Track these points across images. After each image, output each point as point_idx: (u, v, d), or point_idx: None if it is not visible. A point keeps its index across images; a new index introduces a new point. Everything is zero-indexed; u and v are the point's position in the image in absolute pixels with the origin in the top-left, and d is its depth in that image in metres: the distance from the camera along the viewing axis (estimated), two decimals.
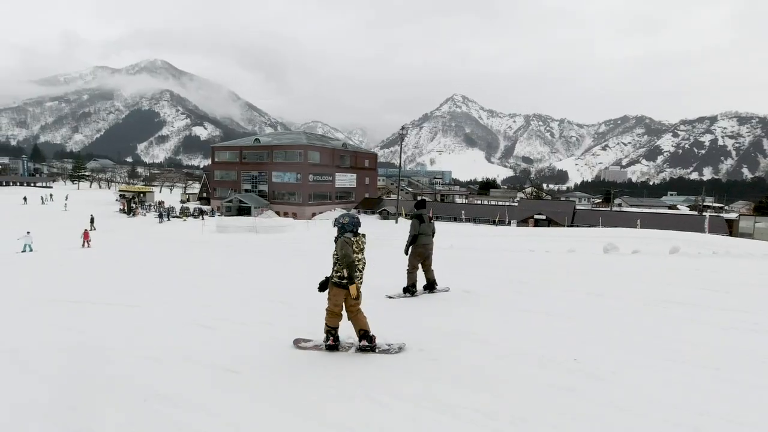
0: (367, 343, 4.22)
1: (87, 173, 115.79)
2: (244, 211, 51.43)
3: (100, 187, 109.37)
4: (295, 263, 12.22)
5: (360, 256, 4.21)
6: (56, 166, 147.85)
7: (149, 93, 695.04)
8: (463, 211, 54.14)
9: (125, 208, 46.61)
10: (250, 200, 52.15)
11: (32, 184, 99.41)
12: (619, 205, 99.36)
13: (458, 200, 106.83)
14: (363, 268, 4.31)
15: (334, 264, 4.19)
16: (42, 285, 9.09)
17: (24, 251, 18.75)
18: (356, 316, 4.23)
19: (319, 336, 4.44)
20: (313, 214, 52.05)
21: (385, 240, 19.45)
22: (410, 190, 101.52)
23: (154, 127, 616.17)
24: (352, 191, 61.78)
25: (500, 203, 77.64)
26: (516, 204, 62.01)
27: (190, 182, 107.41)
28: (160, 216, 38.87)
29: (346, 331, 4.42)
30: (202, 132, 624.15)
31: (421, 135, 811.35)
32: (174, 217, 41.68)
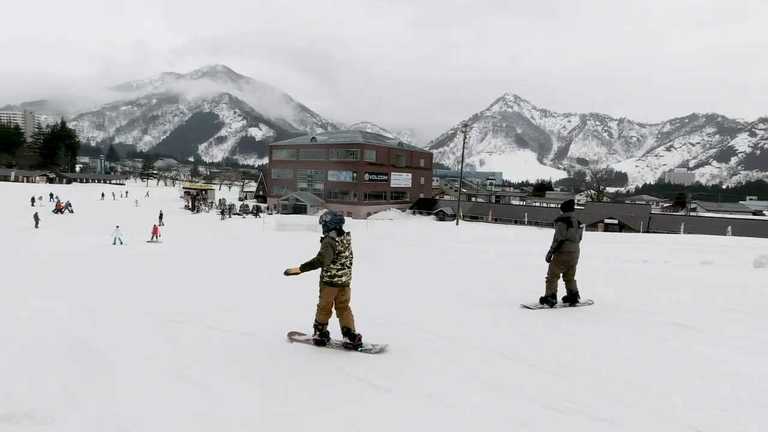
0: (349, 340, 4.38)
1: (155, 171, 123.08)
2: (299, 209, 51.71)
3: (165, 184, 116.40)
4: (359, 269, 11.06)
5: (346, 253, 4.33)
6: (128, 165, 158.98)
7: (210, 96, 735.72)
8: (525, 213, 51.14)
9: (189, 204, 48.31)
10: (306, 199, 52.33)
11: (108, 182, 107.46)
12: (694, 209, 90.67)
13: (514, 202, 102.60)
14: (351, 264, 4.42)
15: (317, 261, 4.26)
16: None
17: (114, 244, 19.81)
18: (343, 313, 4.41)
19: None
20: (368, 214, 51.32)
21: (451, 243, 17.92)
22: (464, 191, 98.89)
23: (214, 129, 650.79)
24: (407, 191, 60.50)
25: (551, 205, 73.46)
26: (582, 207, 57.89)
27: (247, 181, 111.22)
28: (222, 213, 39.71)
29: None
30: (257, 133, 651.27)
31: (470, 135, 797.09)
32: (234, 214, 42.46)
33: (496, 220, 52.59)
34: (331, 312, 4.43)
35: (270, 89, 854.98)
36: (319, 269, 4.31)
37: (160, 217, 32.31)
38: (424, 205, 59.10)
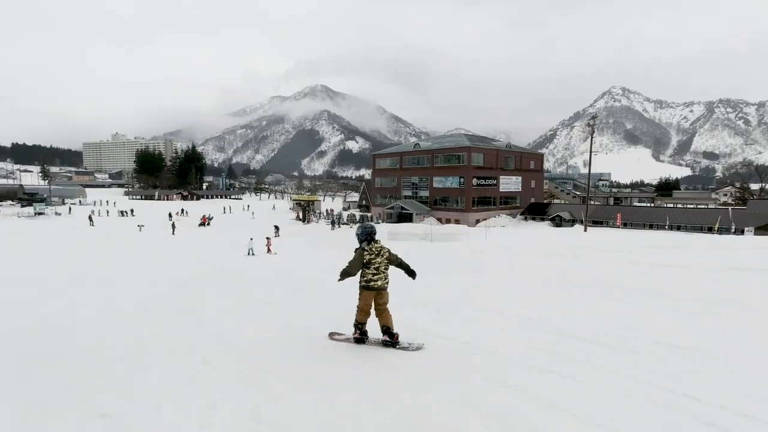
0: (388, 338, 4.74)
1: (266, 186, 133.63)
2: (404, 217, 50.56)
3: (275, 197, 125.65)
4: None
5: (379, 259, 4.72)
6: (244, 182, 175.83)
7: (311, 114, 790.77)
8: (667, 216, 43.57)
9: (300, 215, 50.18)
10: (412, 206, 51.03)
11: (228, 197, 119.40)
12: None
13: (636, 204, 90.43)
14: (386, 269, 4.78)
15: (348, 269, 4.74)
16: None
17: (248, 255, 21.35)
18: (382, 314, 4.77)
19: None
20: (477, 221, 48.19)
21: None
22: (577, 193, 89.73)
23: (315, 144, 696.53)
24: (517, 195, 55.98)
25: (700, 205, 61.88)
26: (744, 207, 47.84)
27: (348, 191, 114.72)
28: (333, 223, 40.15)
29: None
30: (354, 145, 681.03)
31: (572, 135, 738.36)
32: (343, 224, 42.72)
33: (624, 225, 45.78)
34: (369, 313, 4.78)
35: (364, 103, 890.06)
36: (357, 276, 4.74)
37: (276, 229, 33.28)
38: (536, 210, 54.03)
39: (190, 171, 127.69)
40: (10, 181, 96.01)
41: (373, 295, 4.71)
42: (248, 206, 71.09)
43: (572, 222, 48.92)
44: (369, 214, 54.82)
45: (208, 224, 42.97)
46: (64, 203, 66.23)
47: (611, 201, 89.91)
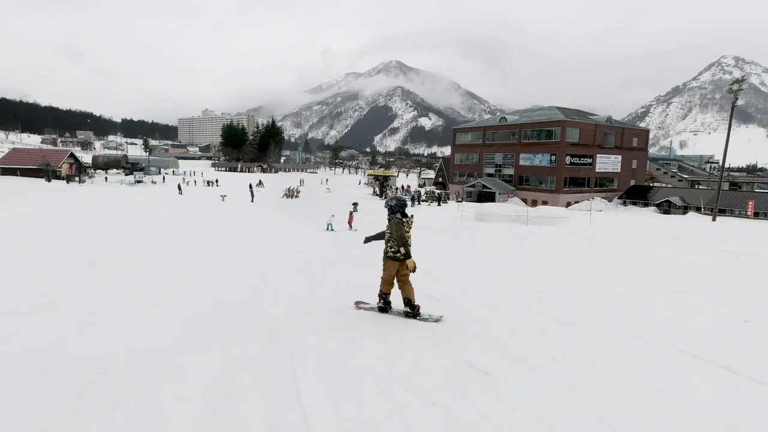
0: (409, 309, 4.93)
1: (340, 161, 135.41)
2: (486, 197, 47.07)
3: (350, 172, 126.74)
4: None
5: (410, 232, 4.92)
6: (319, 156, 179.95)
7: (384, 91, 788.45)
8: None
9: (377, 190, 48.83)
10: (494, 185, 47.32)
11: (304, 170, 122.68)
12: None
13: (759, 190, 77.22)
14: (410, 244, 4.90)
15: (388, 241, 4.91)
16: None
17: (327, 230, 20.51)
18: (404, 286, 4.93)
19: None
20: (568, 204, 43.35)
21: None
22: (683, 176, 78.71)
23: (387, 121, 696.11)
24: (615, 177, 49.59)
25: None
26: None
27: (423, 168, 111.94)
28: (412, 200, 38.14)
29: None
30: (427, 122, 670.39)
31: (668, 112, 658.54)
32: (422, 201, 40.50)
33: (756, 215, 38.43)
34: (392, 284, 5.00)
35: (438, 79, 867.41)
36: (384, 245, 5.00)
37: (355, 205, 31.98)
38: (638, 194, 47.46)
39: (269, 145, 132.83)
40: (119, 152, 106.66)
41: (397, 266, 4.82)
42: (326, 180, 71.51)
43: (684, 209, 42.20)
44: (447, 192, 51.88)
45: (297, 195, 43.51)
46: (160, 173, 71.74)
47: (726, 187, 77.67)
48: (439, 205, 38.70)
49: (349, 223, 23.35)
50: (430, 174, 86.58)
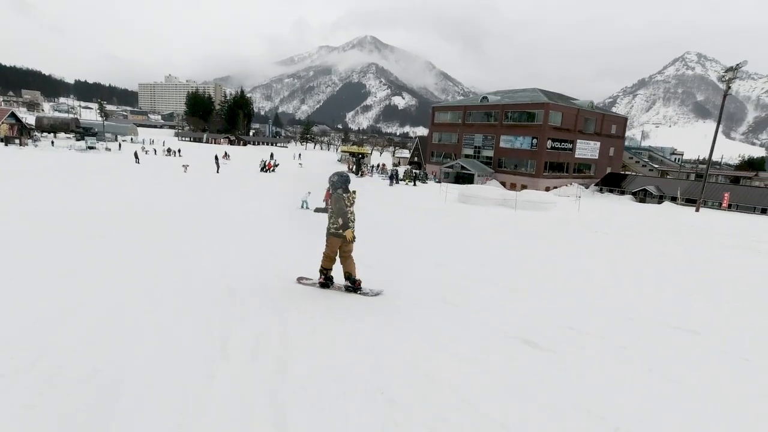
0: (350, 284, 4.98)
1: (312, 136, 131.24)
2: (464, 178, 45.82)
3: (321, 148, 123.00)
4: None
5: (351, 209, 4.87)
6: (290, 131, 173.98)
7: (358, 67, 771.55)
8: None
9: (353, 168, 46.54)
10: (473, 167, 46.06)
11: (274, 144, 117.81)
12: None
13: (722, 181, 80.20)
14: (354, 220, 4.92)
15: (330, 217, 4.95)
16: None
17: (302, 208, 18.88)
18: (346, 261, 4.94)
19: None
20: (547, 189, 42.72)
21: None
22: (654, 165, 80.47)
23: (361, 98, 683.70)
24: (593, 163, 49.45)
25: None
26: None
27: (397, 147, 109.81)
28: (391, 179, 36.18)
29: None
30: (400, 101, 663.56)
31: (633, 104, 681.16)
32: (399, 180, 38.62)
33: (729, 207, 39.13)
34: (334, 259, 4.97)
35: (413, 58, 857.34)
36: (328, 221, 4.98)
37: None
38: (613, 182, 47.57)
39: (238, 116, 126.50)
40: (68, 115, 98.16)
41: (339, 242, 4.82)
42: (299, 155, 68.18)
43: (660, 198, 42.50)
44: (425, 172, 50.21)
45: (273, 170, 40.58)
46: (116, 140, 66.13)
47: (692, 177, 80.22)
48: (415, 185, 37.02)
49: (326, 200, 21.29)
50: (405, 153, 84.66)
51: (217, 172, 35.70)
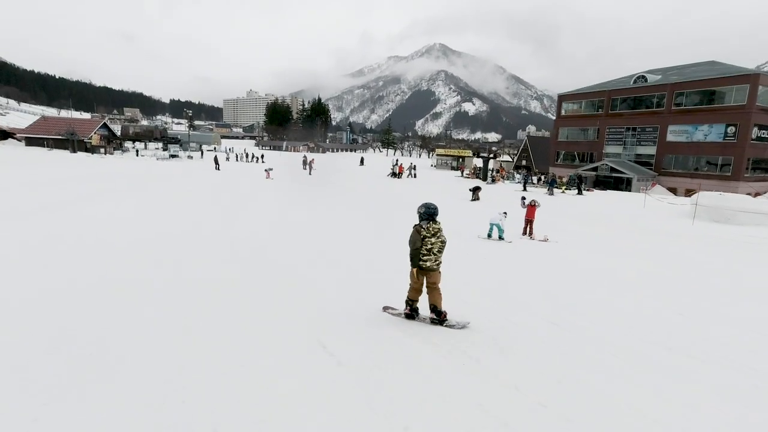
0: (435, 316, 4.83)
1: (394, 141, 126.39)
2: (604, 183, 34.70)
3: (402, 154, 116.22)
4: None
5: (434, 239, 4.72)
6: (367, 137, 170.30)
7: (427, 75, 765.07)
8: None
9: (477, 172, 37.89)
10: (630, 169, 34.72)
11: (353, 150, 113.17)
12: None
13: None
14: (439, 250, 4.78)
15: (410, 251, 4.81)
16: None
17: (488, 237, 11.72)
18: (432, 293, 4.81)
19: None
20: (756, 195, 30.20)
21: None
22: None
23: (430, 105, 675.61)
24: None
25: None
26: None
27: (499, 150, 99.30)
28: (551, 185, 26.30)
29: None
30: (470, 107, 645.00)
31: None
32: (555, 188, 28.30)
33: None
34: (420, 291, 4.86)
35: (482, 62, 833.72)
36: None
37: (476, 190, 21.04)
38: None
39: (315, 124, 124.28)
40: (153, 124, 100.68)
41: (423, 275, 4.75)
42: (396, 161, 61.43)
43: None
44: (584, 177, 39.59)
45: (402, 176, 34.84)
46: (200, 149, 63.84)
47: None
48: (581, 193, 26.73)
49: (528, 224, 12.34)
50: (505, 158, 73.76)
51: (310, 174, 31.99)
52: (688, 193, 32.24)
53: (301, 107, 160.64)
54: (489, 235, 11.36)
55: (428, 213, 4.77)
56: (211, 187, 21.33)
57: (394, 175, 35.75)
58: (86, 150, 46.49)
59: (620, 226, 15.52)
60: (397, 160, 39.17)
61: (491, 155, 39.00)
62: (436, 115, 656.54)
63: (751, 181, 30.85)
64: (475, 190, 20.68)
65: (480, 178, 35.88)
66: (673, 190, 33.07)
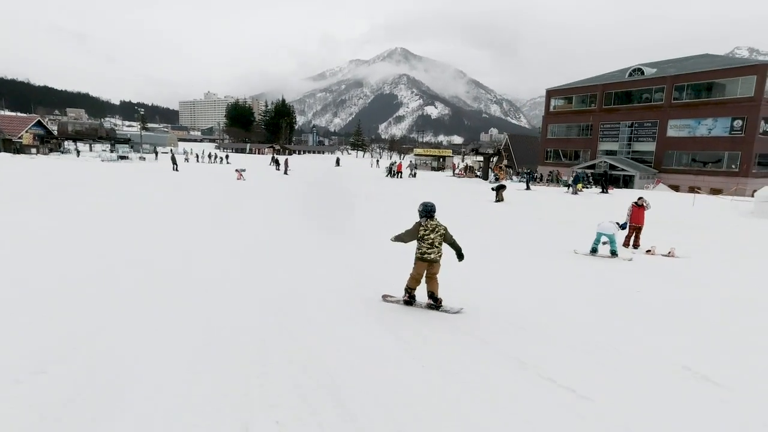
0: (432, 302, 5.11)
1: (362, 143, 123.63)
2: (615, 181, 32.56)
3: (371, 156, 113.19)
4: None
5: (433, 235, 4.96)
6: (333, 140, 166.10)
7: (389, 78, 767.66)
8: None
9: (477, 171, 34.88)
10: (631, 166, 32.72)
11: (321, 153, 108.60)
12: None
13: None
14: (439, 244, 5.01)
15: (418, 242, 5.04)
16: None
17: (593, 252, 8.35)
18: (430, 282, 5.10)
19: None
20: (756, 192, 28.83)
21: None
22: None
23: (393, 109, 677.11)
24: None
25: None
26: None
27: (472, 151, 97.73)
28: (576, 181, 22.86)
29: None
30: (433, 111, 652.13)
31: None
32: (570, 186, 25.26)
33: None
34: (420, 281, 5.13)
35: (444, 67, 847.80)
36: (415, 247, 5.10)
37: (501, 189, 17.65)
38: None
39: (280, 126, 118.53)
40: (96, 120, 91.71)
41: (426, 266, 5.03)
42: (377, 162, 58.04)
43: None
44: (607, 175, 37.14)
45: (401, 174, 32.74)
46: (155, 151, 57.41)
47: None
48: (605, 191, 23.49)
49: (635, 233, 8.93)
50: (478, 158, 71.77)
51: (286, 173, 30.03)
52: (692, 190, 30.57)
53: (264, 108, 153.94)
54: (594, 250, 7.88)
55: (426, 211, 5.03)
56: (173, 191, 16.74)
57: (392, 174, 32.47)
58: (16, 151, 39.70)
59: (719, 231, 12.54)
60: (395, 160, 36.49)
61: (495, 154, 35.80)
62: (400, 119, 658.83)
63: (758, 177, 29.47)
64: (499, 189, 17.30)
65: (481, 178, 32.77)
66: (675, 188, 31.31)
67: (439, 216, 5.12)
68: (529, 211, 15.18)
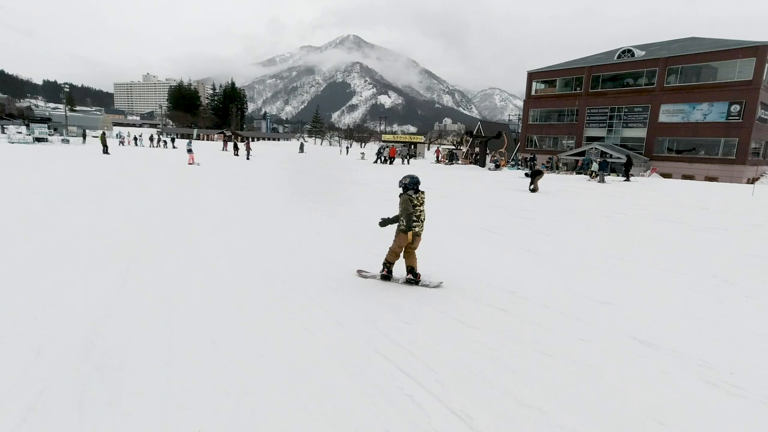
0: (411, 277, 4.98)
1: (321, 129, 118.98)
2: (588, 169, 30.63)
3: (330, 144, 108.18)
4: None
5: (421, 208, 4.87)
6: (287, 128, 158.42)
7: (342, 66, 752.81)
8: None
9: (474, 156, 31.67)
10: (624, 154, 30.84)
11: (276, 140, 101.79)
12: None
13: None
14: (424, 218, 4.92)
15: (400, 215, 4.85)
16: None
17: None
18: (409, 257, 4.96)
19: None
20: (749, 180, 27.89)
21: None
22: None
23: (346, 97, 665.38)
24: None
25: None
26: None
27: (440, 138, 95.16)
28: (603, 168, 19.73)
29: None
30: (387, 100, 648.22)
31: None
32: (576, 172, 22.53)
33: None
34: (399, 255, 4.98)
35: (396, 56, 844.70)
36: (398, 219, 4.88)
37: (538, 174, 14.27)
38: None
39: (230, 111, 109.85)
40: (6, 96, 79.48)
41: (408, 239, 4.85)
42: (346, 148, 53.94)
43: None
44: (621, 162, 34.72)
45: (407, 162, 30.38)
46: (84, 134, 49.33)
47: None
48: (628, 179, 20.78)
49: None
50: (445, 144, 69.23)
51: (248, 158, 27.31)
52: (686, 179, 29.25)
53: (211, 92, 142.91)
54: None
55: (413, 182, 4.86)
56: (93, 179, 11.88)
57: (384, 161, 28.81)
58: None
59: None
60: (385, 145, 33.40)
61: (496, 136, 32.64)
62: (353, 107, 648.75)
63: (754, 165, 28.54)
64: (535, 176, 13.93)
65: (479, 165, 29.62)
66: (668, 176, 29.90)
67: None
68: (556, 200, 11.96)
